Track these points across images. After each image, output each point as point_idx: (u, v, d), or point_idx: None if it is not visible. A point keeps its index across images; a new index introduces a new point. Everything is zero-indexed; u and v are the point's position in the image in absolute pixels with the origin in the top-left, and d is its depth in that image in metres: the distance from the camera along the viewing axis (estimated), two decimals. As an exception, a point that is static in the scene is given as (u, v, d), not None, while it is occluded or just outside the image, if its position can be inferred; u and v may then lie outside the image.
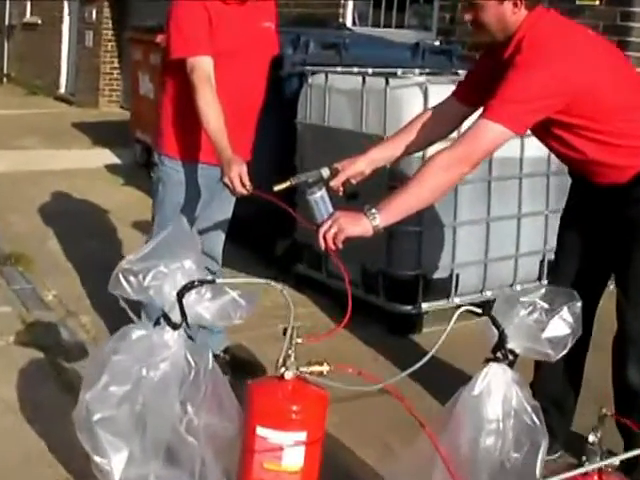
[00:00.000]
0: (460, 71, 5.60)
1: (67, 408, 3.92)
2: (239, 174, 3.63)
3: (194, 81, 3.78)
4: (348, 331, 5.08)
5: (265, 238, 6.29)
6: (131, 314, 2.94)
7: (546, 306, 2.67)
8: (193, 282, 2.57)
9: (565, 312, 2.64)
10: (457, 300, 5.40)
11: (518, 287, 5.64)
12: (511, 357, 2.65)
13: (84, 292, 5.67)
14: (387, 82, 5.11)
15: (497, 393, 2.63)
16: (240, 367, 4.13)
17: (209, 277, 2.62)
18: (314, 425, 2.66)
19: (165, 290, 2.60)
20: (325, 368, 2.65)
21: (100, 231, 7.02)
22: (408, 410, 2.55)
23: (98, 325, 5.05)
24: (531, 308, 2.69)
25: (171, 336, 2.63)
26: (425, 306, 5.29)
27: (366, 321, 5.07)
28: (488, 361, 2.68)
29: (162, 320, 2.64)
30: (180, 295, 2.57)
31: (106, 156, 9.87)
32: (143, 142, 9.21)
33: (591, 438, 2.30)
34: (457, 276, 5.35)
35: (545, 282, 5.70)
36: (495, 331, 2.67)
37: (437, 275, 5.28)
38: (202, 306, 2.59)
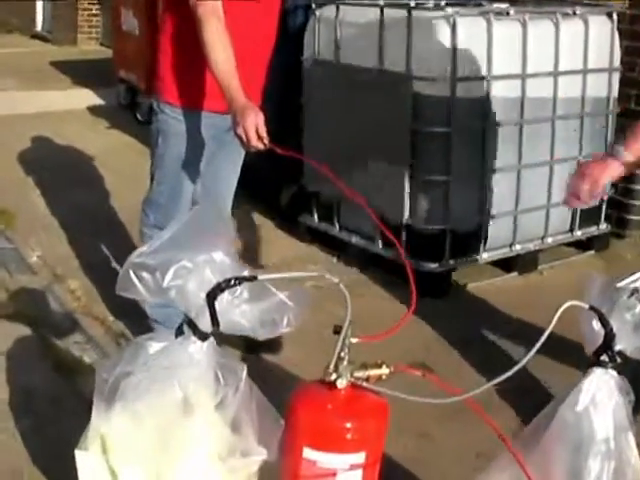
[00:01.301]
0: (484, 2, 5.02)
1: (62, 394, 3.47)
2: (255, 124, 3.09)
3: (200, 14, 3.21)
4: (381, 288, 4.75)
5: (268, 184, 5.78)
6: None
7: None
8: (228, 280, 1.97)
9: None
10: (485, 255, 4.94)
11: (549, 240, 5.19)
12: (619, 360, 2.13)
13: (71, 252, 5.15)
14: (409, 13, 4.52)
15: (604, 407, 2.11)
16: (255, 347, 3.62)
17: (246, 273, 2.03)
18: (374, 444, 2.16)
19: (190, 291, 2.02)
20: (385, 371, 2.15)
21: (85, 180, 6.48)
22: (492, 427, 2.05)
23: (89, 292, 4.54)
24: (635, 297, 2.16)
25: (199, 348, 2.07)
26: (452, 262, 4.79)
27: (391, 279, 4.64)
28: (591, 366, 2.15)
29: (185, 328, 2.08)
30: (211, 297, 1.99)
31: (88, 97, 9.28)
32: (127, 82, 8.66)
33: None
34: (486, 229, 4.84)
35: (578, 233, 5.27)
36: (597, 328, 2.13)
37: (465, 229, 4.77)
38: (239, 310, 2.01)
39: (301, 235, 5.47)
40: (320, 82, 5.17)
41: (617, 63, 5.21)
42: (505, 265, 5.06)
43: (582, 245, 5.44)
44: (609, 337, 2.11)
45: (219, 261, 2.03)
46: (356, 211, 4.97)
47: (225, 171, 3.70)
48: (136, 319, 3.78)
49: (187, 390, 2.08)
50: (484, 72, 4.57)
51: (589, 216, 5.34)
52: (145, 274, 2.04)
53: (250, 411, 2.15)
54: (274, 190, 5.80)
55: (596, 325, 2.14)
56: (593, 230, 5.44)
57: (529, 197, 4.99)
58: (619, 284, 2.18)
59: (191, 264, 2.01)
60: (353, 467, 2.11)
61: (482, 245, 4.88)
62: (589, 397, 2.12)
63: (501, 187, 4.86)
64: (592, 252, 5.46)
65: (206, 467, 2.14)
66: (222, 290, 1.97)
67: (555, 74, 4.89)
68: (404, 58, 4.56)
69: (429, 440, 3.32)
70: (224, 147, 3.58)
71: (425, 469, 3.12)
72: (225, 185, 3.72)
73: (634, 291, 2.16)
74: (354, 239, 5.13)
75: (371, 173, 4.82)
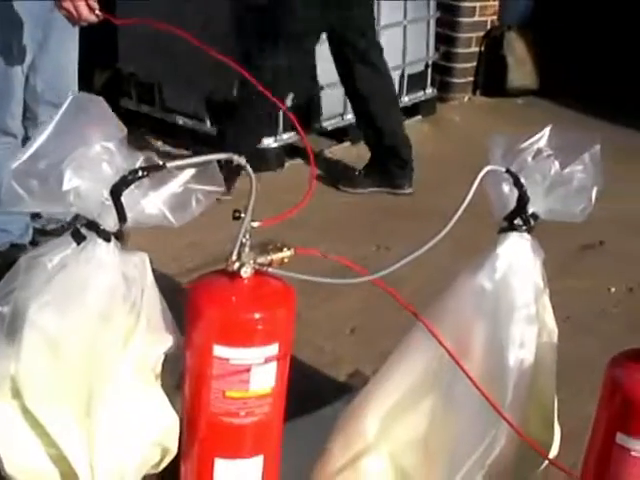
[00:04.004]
0: None
1: None
2: None
3: None
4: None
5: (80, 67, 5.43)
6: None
7: (556, 153, 2.12)
8: (135, 171, 1.76)
9: (586, 159, 2.10)
10: (318, 127, 4.93)
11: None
12: (533, 223, 2.10)
13: None
14: None
15: (522, 272, 2.08)
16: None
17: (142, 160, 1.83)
18: (285, 333, 2.04)
19: (89, 190, 1.80)
20: (287, 254, 2.00)
21: None
22: (403, 305, 1.98)
23: None
24: (540, 157, 2.12)
25: (106, 251, 1.85)
26: (286, 137, 4.70)
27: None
28: (504, 231, 2.11)
29: (84, 232, 1.86)
30: (117, 192, 1.77)
31: None
32: None
33: None
34: (319, 100, 4.78)
35: (406, 99, 5.30)
36: (507, 191, 2.08)
37: (298, 101, 4.70)
38: (145, 201, 1.82)
39: (123, 120, 5.19)
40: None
41: None
42: (338, 134, 5.03)
43: (410, 111, 5.44)
44: (523, 200, 2.06)
45: (115, 151, 1.82)
46: (180, 91, 4.79)
47: (63, 60, 3.36)
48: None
49: (102, 300, 1.88)
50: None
51: (415, 81, 5.37)
52: (34, 182, 1.80)
53: (156, 303, 2.00)
54: (87, 73, 5.46)
55: (507, 188, 2.09)
56: (420, 95, 5.49)
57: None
58: (522, 145, 2.12)
59: (85, 160, 1.80)
60: (267, 360, 1.99)
61: (315, 116, 4.82)
62: (507, 263, 2.08)
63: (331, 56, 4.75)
64: (419, 117, 5.51)
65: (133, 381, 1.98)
66: (128, 183, 1.77)
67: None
68: None
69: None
70: (52, 33, 3.23)
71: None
72: (67, 75, 3.39)
73: (538, 152, 2.12)
74: (181, 120, 4.94)
75: (197, 50, 4.58)
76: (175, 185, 1.85)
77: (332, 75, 4.73)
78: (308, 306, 3.21)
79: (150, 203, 1.84)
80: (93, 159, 1.79)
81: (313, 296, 3.14)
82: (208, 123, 4.81)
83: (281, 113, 4.61)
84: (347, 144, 5.04)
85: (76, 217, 1.95)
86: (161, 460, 2.11)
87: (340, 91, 4.83)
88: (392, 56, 5.07)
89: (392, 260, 1.99)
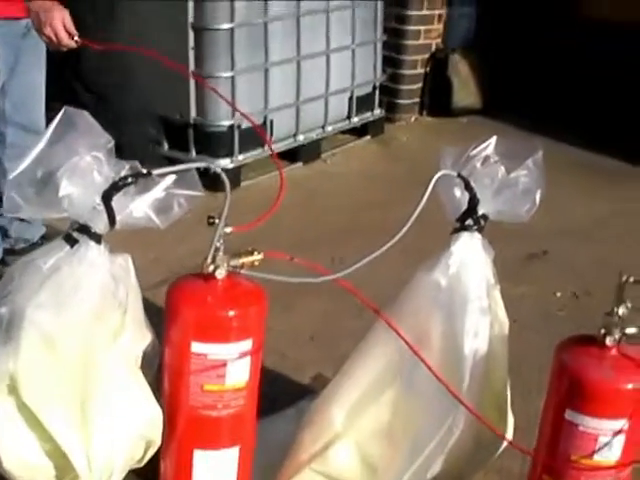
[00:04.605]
0: None
1: None
2: (62, 21, 2.96)
3: None
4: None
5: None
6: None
7: (502, 159, 2.30)
8: (124, 178, 1.93)
9: (529, 164, 2.29)
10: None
11: (330, 128, 5.38)
12: (483, 223, 2.28)
13: None
14: None
15: (474, 267, 2.26)
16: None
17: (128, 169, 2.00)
18: (258, 329, 2.20)
19: (81, 196, 1.96)
20: (257, 257, 2.16)
21: None
22: (364, 302, 2.15)
23: None
24: (488, 163, 2.30)
25: (97, 252, 2.01)
26: (241, 157, 4.84)
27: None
28: (457, 231, 2.29)
29: (76, 235, 2.01)
30: (107, 197, 1.94)
31: None
32: None
33: (621, 311, 2.00)
34: (271, 122, 4.93)
35: (355, 120, 5.49)
36: (459, 194, 2.26)
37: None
38: (133, 206, 1.99)
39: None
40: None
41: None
42: (290, 156, 5.17)
43: (359, 131, 5.64)
44: (474, 202, 2.24)
45: (104, 161, 1.98)
46: (136, 116, 4.90)
47: (31, 83, 3.47)
48: None
49: (94, 299, 2.03)
50: (262, -33, 4.59)
51: (364, 103, 5.56)
52: (30, 190, 1.95)
53: (139, 302, 2.14)
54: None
55: (458, 192, 2.27)
56: (368, 116, 5.67)
57: (309, 87, 5.13)
58: (471, 152, 2.30)
59: (78, 169, 1.95)
60: (242, 355, 2.14)
61: (268, 137, 4.95)
62: (459, 260, 2.25)
63: (282, 79, 4.95)
64: (368, 137, 5.70)
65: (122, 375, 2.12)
66: (119, 189, 1.93)
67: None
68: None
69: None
70: (23, 57, 3.34)
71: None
72: (35, 97, 3.50)
73: (486, 158, 2.30)
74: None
75: (153, 74, 4.72)
76: (158, 190, 2.01)
77: (283, 98, 4.92)
78: (269, 315, 3.36)
79: (137, 207, 2.00)
80: (84, 168, 1.95)
81: (274, 306, 3.26)
82: (166, 145, 4.90)
83: (236, 135, 4.74)
84: (299, 164, 5.19)
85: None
86: (144, 454, 2.24)
87: (291, 113, 5.01)
88: (341, 78, 5.31)
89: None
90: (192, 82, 4.64)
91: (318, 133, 5.29)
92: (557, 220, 4.53)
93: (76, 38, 3.02)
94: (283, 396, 2.93)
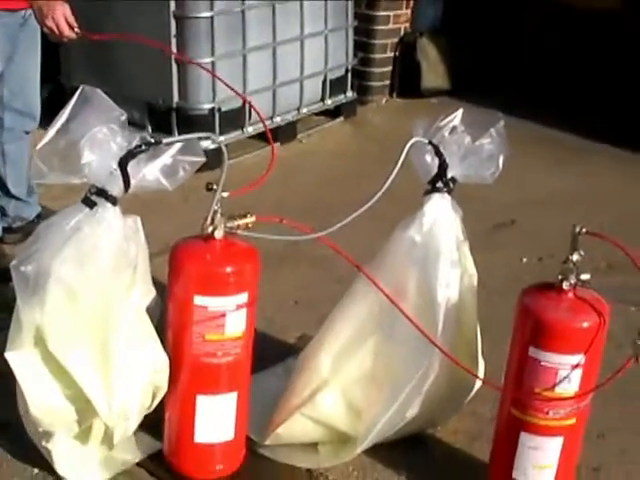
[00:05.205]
0: None
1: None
2: (64, 14, 3.18)
3: None
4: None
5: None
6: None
7: (468, 129, 2.55)
8: (139, 146, 2.19)
9: (492, 132, 2.54)
10: (250, 129, 5.25)
11: (305, 110, 5.61)
12: (452, 185, 2.53)
13: None
14: None
15: (445, 225, 2.51)
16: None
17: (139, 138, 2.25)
18: (252, 284, 2.43)
19: (100, 163, 2.21)
20: (251, 219, 2.39)
21: None
22: (346, 258, 2.39)
23: None
24: (455, 132, 2.55)
25: (113, 213, 2.26)
26: (222, 139, 5.05)
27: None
28: (428, 193, 2.54)
29: (94, 199, 2.26)
30: (124, 164, 2.19)
31: None
32: None
33: (575, 257, 2.26)
34: (249, 104, 5.14)
35: (329, 102, 5.70)
36: (430, 160, 2.51)
37: (231, 106, 5.05)
38: (145, 170, 2.24)
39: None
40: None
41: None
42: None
43: (332, 113, 5.88)
44: (443, 167, 2.49)
45: (118, 131, 2.22)
46: (121, 101, 5.08)
47: (28, 71, 3.68)
48: None
49: (111, 256, 2.27)
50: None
51: (337, 86, 5.79)
52: (55, 159, 2.19)
53: (146, 260, 2.40)
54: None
55: (429, 158, 2.52)
56: (341, 98, 5.90)
57: (284, 72, 5.35)
58: (441, 123, 2.55)
59: (96, 140, 2.19)
60: (239, 307, 2.38)
61: (247, 120, 5.17)
62: (432, 218, 2.51)
63: (260, 64, 5.18)
64: (342, 118, 5.93)
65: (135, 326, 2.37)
66: (134, 156, 2.20)
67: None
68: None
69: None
70: (20, 46, 3.55)
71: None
72: (31, 84, 3.71)
73: (454, 128, 2.55)
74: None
75: (137, 62, 4.94)
76: (167, 157, 2.27)
77: (261, 82, 5.14)
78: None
79: (149, 172, 2.26)
80: (102, 139, 2.20)
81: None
82: (150, 129, 5.08)
83: (216, 118, 4.96)
84: (277, 144, 5.39)
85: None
86: (152, 400, 2.48)
87: (268, 96, 5.23)
88: (315, 62, 5.53)
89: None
90: (174, 68, 4.85)
91: (294, 115, 5.51)
92: (524, 192, 4.81)
93: (76, 29, 3.22)
94: (272, 355, 3.16)
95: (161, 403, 2.53)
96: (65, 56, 5.23)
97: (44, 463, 2.55)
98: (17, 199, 3.82)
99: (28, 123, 3.69)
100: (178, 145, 2.26)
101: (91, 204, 2.25)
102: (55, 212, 2.43)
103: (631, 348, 2.20)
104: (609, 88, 6.02)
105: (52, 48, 5.02)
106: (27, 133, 3.72)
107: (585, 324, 2.26)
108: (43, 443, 2.45)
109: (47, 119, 4.58)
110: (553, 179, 5.11)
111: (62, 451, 2.46)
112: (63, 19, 3.17)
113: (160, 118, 5.03)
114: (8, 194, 3.81)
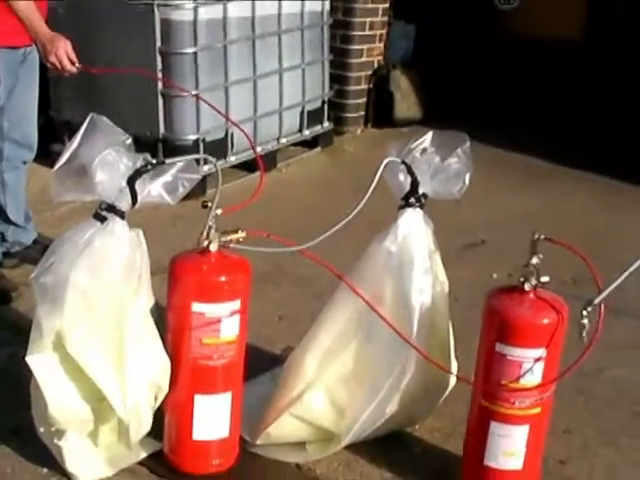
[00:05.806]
0: None
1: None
2: (66, 50, 3.44)
3: None
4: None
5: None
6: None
7: (437, 150, 2.81)
8: (145, 165, 2.47)
9: (459, 152, 2.80)
10: (233, 159, 5.50)
11: (284, 140, 5.86)
12: (423, 201, 2.78)
13: None
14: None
15: (418, 236, 2.76)
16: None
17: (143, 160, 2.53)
18: (245, 292, 2.66)
19: (110, 181, 2.48)
20: (242, 235, 2.64)
21: None
22: (329, 269, 2.62)
23: None
24: (425, 153, 2.80)
25: (122, 227, 2.52)
26: (206, 168, 5.28)
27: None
28: (402, 208, 2.79)
29: (104, 214, 2.52)
30: (132, 181, 2.46)
31: None
32: None
33: (534, 261, 2.52)
34: (232, 135, 5.40)
35: (307, 133, 5.96)
36: (403, 178, 2.77)
37: (214, 137, 5.30)
38: (150, 187, 2.51)
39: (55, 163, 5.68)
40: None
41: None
42: (249, 166, 5.60)
43: (310, 143, 6.17)
44: (415, 184, 2.75)
45: (124, 154, 2.50)
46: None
47: (26, 103, 3.91)
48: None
49: (121, 265, 2.52)
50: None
51: (314, 117, 6.08)
52: (70, 179, 2.45)
53: (148, 268, 2.63)
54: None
55: (402, 176, 2.78)
56: (318, 129, 6.19)
57: (264, 103, 5.62)
58: (412, 145, 2.80)
59: (106, 161, 2.46)
60: (233, 312, 2.61)
61: (229, 150, 5.43)
62: (406, 230, 2.76)
63: (241, 96, 5.44)
64: (319, 149, 6.22)
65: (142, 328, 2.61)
66: (141, 174, 2.46)
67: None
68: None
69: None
70: (20, 80, 3.79)
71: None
72: (29, 116, 3.95)
73: (424, 150, 2.81)
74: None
75: (125, 96, 5.17)
76: (168, 175, 2.54)
77: (242, 113, 5.40)
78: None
79: (153, 188, 2.53)
80: (111, 161, 2.46)
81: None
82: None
83: (201, 148, 5.20)
84: (258, 173, 5.62)
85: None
86: (155, 400, 2.70)
87: (249, 126, 5.49)
88: (293, 95, 5.82)
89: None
90: (160, 101, 5.10)
91: (273, 145, 5.77)
92: (493, 214, 5.07)
93: (77, 65, 3.48)
94: (260, 365, 3.36)
95: (160, 407, 2.74)
96: (55, 91, 5.44)
97: (54, 464, 2.76)
98: (15, 225, 4.04)
99: (26, 154, 3.93)
100: (178, 164, 2.51)
101: (102, 219, 2.51)
102: (51, 237, 2.64)
103: (577, 327, 2.37)
104: (572, 114, 6.33)
105: (42, 84, 5.29)
106: (25, 163, 3.95)
107: (545, 320, 2.50)
108: (55, 441, 2.66)
109: (39, 150, 4.88)
110: (520, 201, 5.37)
111: (72, 449, 2.68)
112: (65, 55, 3.42)
113: (147, 149, 5.19)
114: (7, 220, 4.02)
